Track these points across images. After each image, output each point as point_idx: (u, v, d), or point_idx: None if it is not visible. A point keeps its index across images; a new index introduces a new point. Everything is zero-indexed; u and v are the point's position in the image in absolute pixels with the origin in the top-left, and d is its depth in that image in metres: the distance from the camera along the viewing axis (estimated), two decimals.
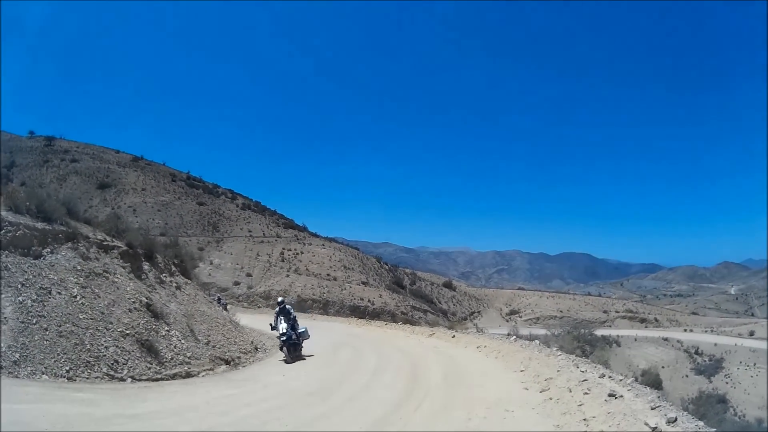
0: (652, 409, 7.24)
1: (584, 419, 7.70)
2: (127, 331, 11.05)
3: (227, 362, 13.56)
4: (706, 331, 64.26)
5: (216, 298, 29.58)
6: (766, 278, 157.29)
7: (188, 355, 12.37)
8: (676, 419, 6.55)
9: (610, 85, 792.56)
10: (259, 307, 40.94)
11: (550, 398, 9.56)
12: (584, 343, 22.06)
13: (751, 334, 58.97)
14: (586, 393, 9.06)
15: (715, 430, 6.54)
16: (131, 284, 12.81)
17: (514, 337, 20.71)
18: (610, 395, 8.34)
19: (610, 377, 10.30)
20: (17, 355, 8.67)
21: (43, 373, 8.75)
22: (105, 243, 13.40)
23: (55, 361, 9.12)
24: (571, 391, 9.51)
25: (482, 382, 11.87)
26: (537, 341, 18.48)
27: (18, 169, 59.18)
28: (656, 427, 6.33)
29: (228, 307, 28.88)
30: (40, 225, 11.52)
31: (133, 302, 12.06)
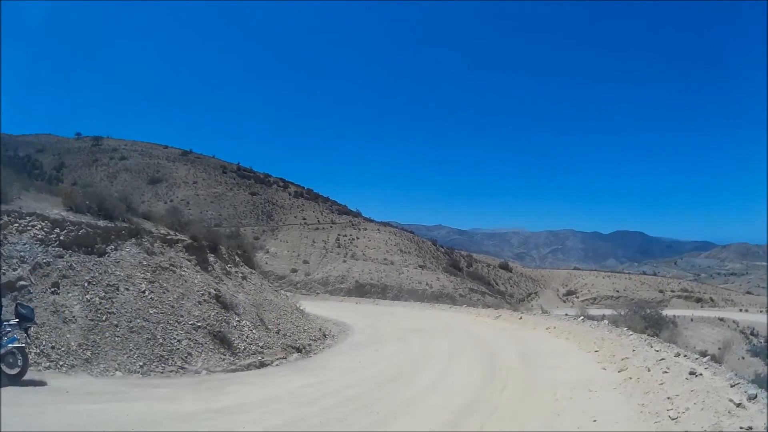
0: (732, 386, 7.36)
1: (668, 398, 7.76)
2: (199, 324, 10.87)
3: (299, 350, 13.24)
4: (761, 312, 61.27)
5: None
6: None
7: (260, 344, 12.11)
8: (756, 396, 6.74)
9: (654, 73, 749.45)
10: (317, 293, 40.98)
11: (630, 378, 9.70)
12: (651, 323, 21.08)
13: None
14: (665, 372, 9.18)
15: None
16: (198, 276, 12.67)
17: (582, 317, 20.88)
18: (690, 373, 8.39)
19: (685, 356, 10.42)
20: (89, 353, 8.54)
21: (116, 370, 8.60)
22: (168, 237, 13.34)
23: (128, 357, 8.96)
24: (649, 371, 9.65)
25: (559, 363, 11.88)
26: (605, 321, 18.65)
27: (67, 169, 61.46)
28: (740, 404, 6.51)
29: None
30: (102, 223, 11.45)
31: (202, 294, 11.90)
